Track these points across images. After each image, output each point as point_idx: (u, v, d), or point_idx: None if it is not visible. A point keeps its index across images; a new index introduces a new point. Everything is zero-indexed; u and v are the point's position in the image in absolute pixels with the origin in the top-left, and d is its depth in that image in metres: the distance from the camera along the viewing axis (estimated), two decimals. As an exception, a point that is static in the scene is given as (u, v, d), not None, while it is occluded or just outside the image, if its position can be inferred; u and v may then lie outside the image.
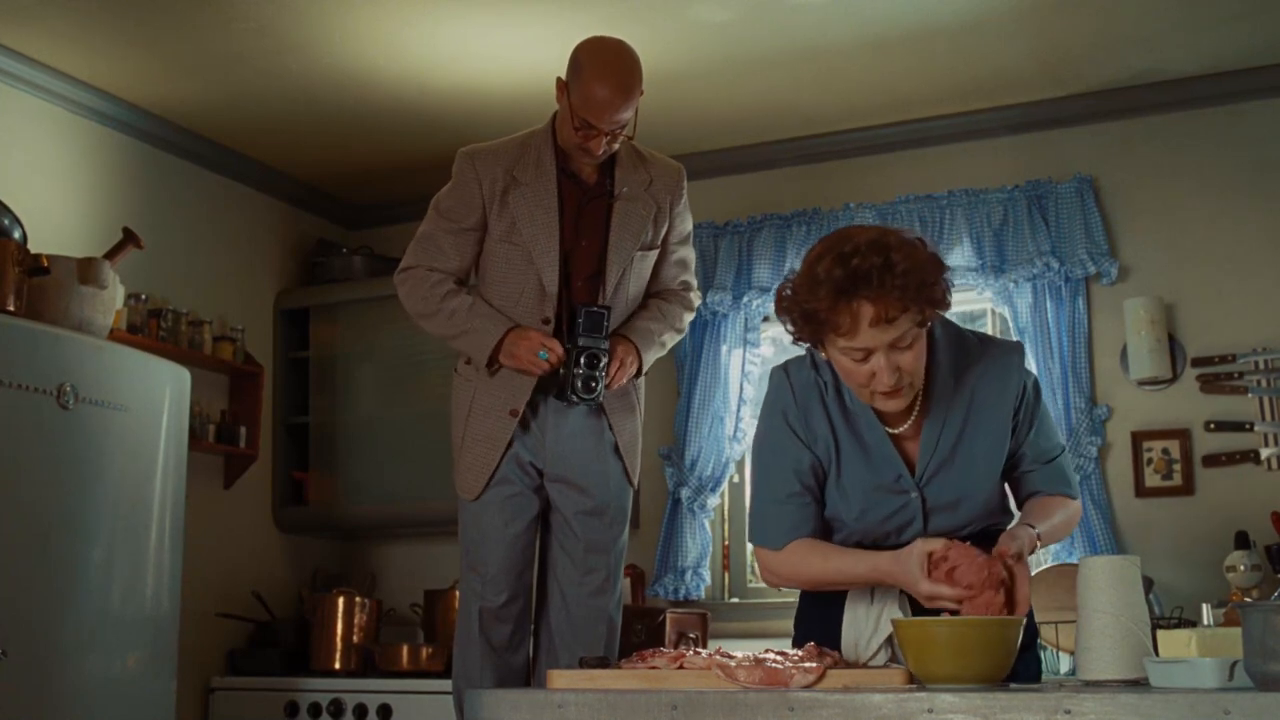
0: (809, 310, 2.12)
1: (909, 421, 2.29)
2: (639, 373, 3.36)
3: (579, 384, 3.20)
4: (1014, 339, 2.51)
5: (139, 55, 4.16)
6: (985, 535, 2.30)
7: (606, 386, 3.26)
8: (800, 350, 2.34)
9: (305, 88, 4.39)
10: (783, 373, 2.36)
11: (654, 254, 3.37)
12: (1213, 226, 4.34)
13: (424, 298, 3.28)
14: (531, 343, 3.19)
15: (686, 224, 3.44)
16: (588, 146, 3.18)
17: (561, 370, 3.20)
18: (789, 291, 2.17)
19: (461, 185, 3.29)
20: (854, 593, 2.30)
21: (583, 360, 3.20)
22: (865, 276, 2.06)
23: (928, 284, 2.11)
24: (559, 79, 3.22)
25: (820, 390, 2.31)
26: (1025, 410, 2.33)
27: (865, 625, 2.28)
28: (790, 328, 2.20)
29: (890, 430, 2.29)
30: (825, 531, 2.34)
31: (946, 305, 2.18)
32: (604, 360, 3.22)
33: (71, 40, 4.04)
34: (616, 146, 3.23)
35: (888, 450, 2.28)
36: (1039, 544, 2.21)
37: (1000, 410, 2.31)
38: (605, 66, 3.12)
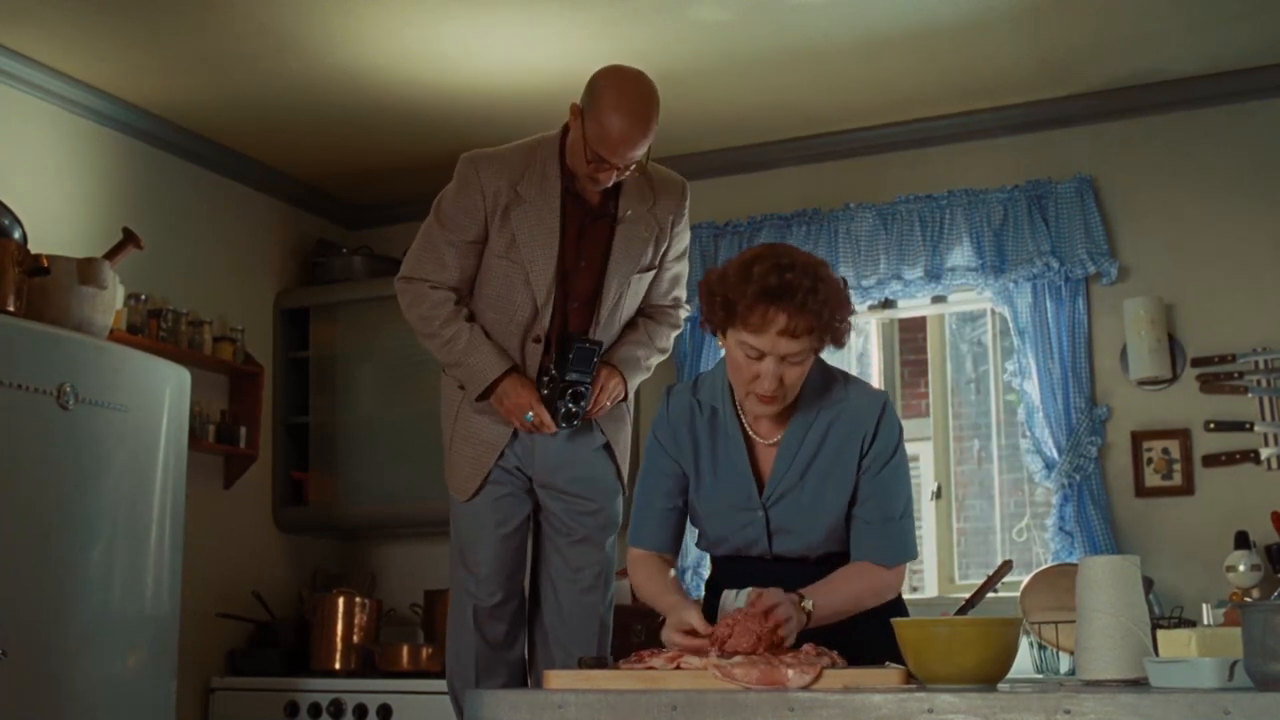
0: (730, 299, 2.29)
1: (775, 439, 2.45)
2: (623, 398, 3.36)
3: (560, 415, 3.21)
4: (880, 390, 2.53)
5: (139, 55, 4.16)
6: (829, 562, 2.45)
7: (588, 413, 3.26)
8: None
9: (305, 88, 4.39)
10: (665, 394, 2.59)
11: (651, 275, 3.35)
12: (1213, 226, 4.34)
13: (424, 317, 3.26)
14: (522, 402, 3.19)
15: (685, 240, 3.41)
16: (597, 178, 3.14)
17: (545, 394, 3.21)
18: (718, 277, 2.34)
19: (465, 193, 3.24)
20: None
21: (568, 394, 3.21)
22: (792, 291, 2.25)
23: (837, 319, 2.32)
24: (573, 105, 3.16)
25: (693, 412, 2.50)
26: (874, 458, 2.43)
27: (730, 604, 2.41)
28: (704, 309, 2.38)
29: (761, 440, 2.46)
30: (677, 540, 2.56)
31: (842, 345, 2.38)
32: (588, 395, 3.23)
33: (71, 40, 4.04)
34: (625, 177, 3.19)
35: (743, 469, 2.45)
36: (809, 613, 2.26)
37: (848, 448, 2.43)
38: (623, 104, 3.05)
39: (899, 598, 2.51)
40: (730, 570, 2.54)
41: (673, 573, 2.54)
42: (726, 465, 2.48)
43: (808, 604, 2.26)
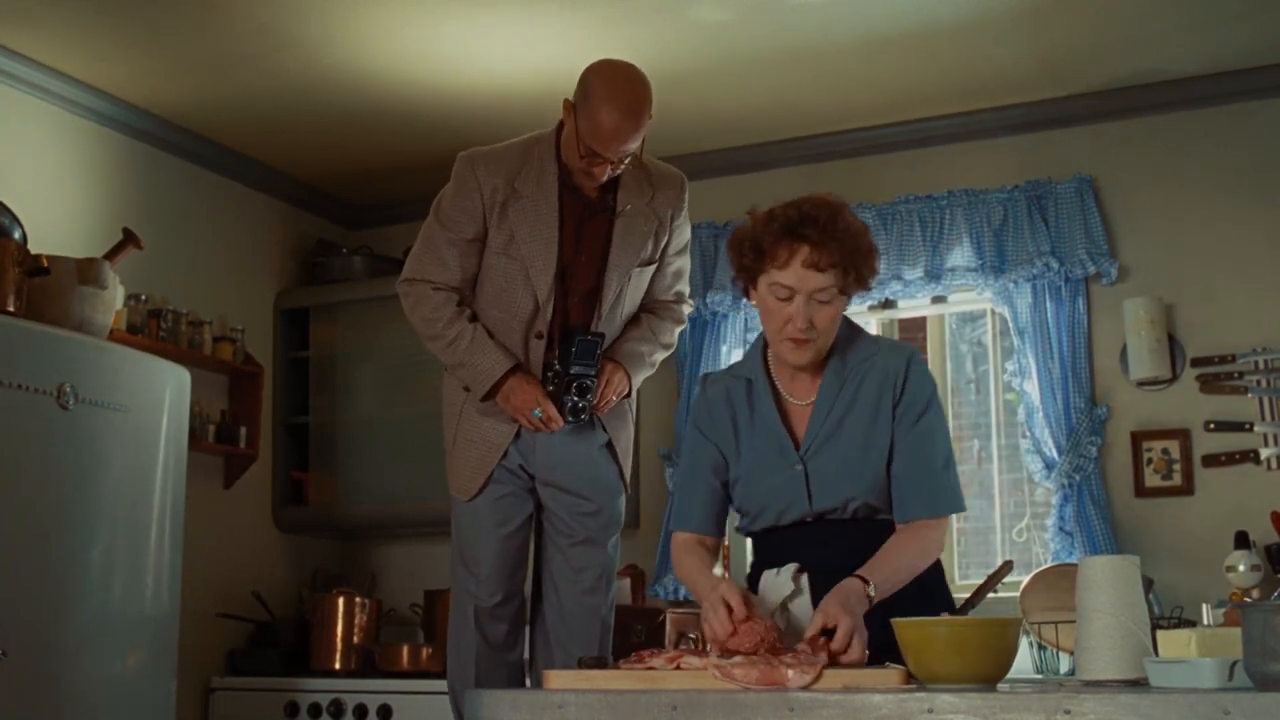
0: (757, 239, 2.40)
1: (809, 399, 2.49)
2: (628, 394, 3.36)
3: (566, 409, 3.21)
4: (909, 344, 2.56)
5: (139, 55, 4.16)
6: (869, 524, 2.45)
7: (594, 410, 3.26)
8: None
9: (305, 88, 4.39)
10: (701, 383, 2.67)
11: (652, 269, 3.34)
12: (1213, 226, 4.34)
13: (427, 319, 3.26)
14: (528, 398, 3.19)
15: (685, 234, 3.41)
16: (591, 172, 3.14)
17: (551, 390, 3.21)
18: (745, 228, 2.45)
19: (462, 192, 3.24)
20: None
21: (573, 388, 3.21)
22: (812, 221, 2.36)
23: (860, 254, 2.39)
24: (566, 100, 3.16)
25: (729, 391, 2.57)
26: (906, 408, 2.45)
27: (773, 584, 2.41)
28: (734, 262, 2.47)
29: (795, 401, 2.50)
30: (719, 520, 2.58)
31: (867, 286, 2.45)
32: (593, 387, 3.23)
33: (71, 40, 4.04)
34: (620, 171, 3.19)
35: (779, 430, 2.49)
36: (872, 599, 2.25)
37: (881, 398, 2.45)
38: (614, 97, 3.05)
39: (936, 567, 2.49)
40: (770, 545, 2.51)
41: (718, 570, 2.55)
42: (762, 430, 2.50)
43: (871, 589, 2.25)
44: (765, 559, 2.51)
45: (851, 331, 2.53)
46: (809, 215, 2.37)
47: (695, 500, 2.58)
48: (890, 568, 2.33)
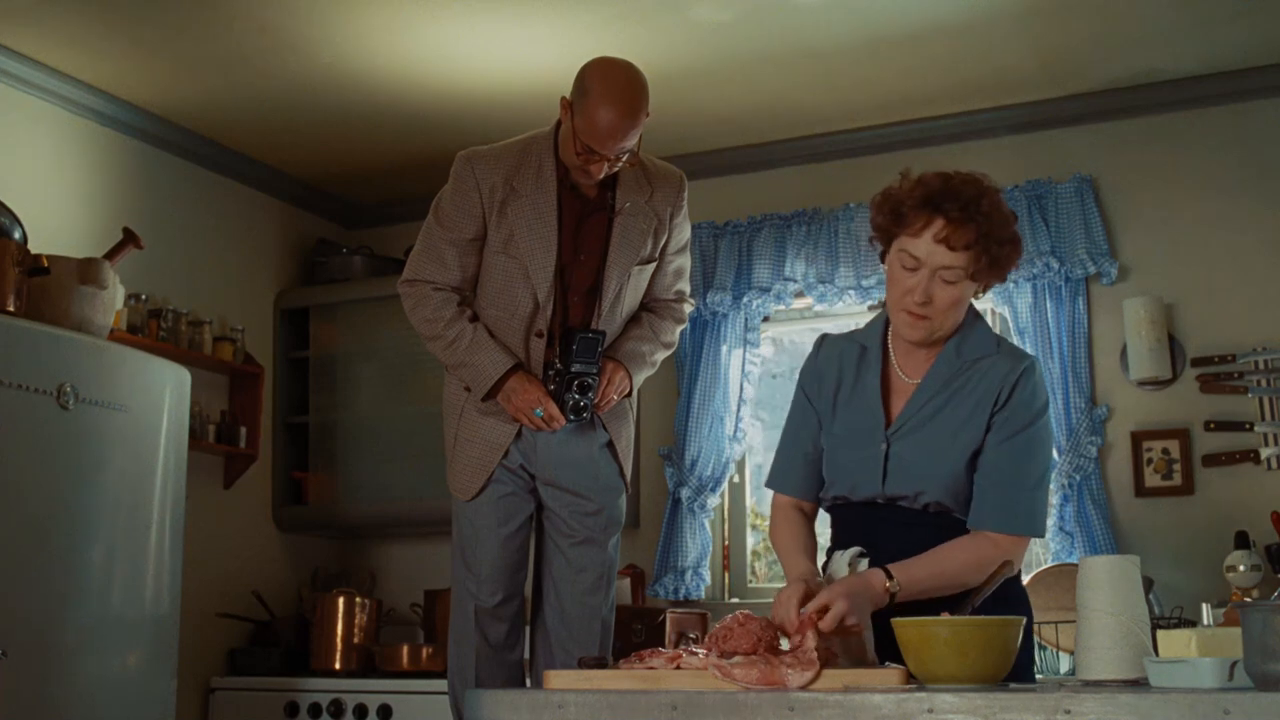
0: (898, 203, 2.33)
1: (917, 379, 2.41)
2: (629, 393, 3.36)
3: (568, 408, 3.21)
4: (1030, 354, 2.48)
5: (139, 55, 4.16)
6: (943, 519, 2.36)
7: (596, 409, 3.26)
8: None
9: (305, 88, 4.39)
10: (818, 341, 2.59)
11: (651, 267, 3.35)
12: (1213, 226, 4.34)
13: (427, 320, 3.26)
14: (529, 398, 3.19)
15: (685, 232, 3.41)
16: (588, 170, 3.15)
17: (552, 389, 3.21)
18: (889, 190, 2.39)
19: (461, 191, 3.25)
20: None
21: (574, 386, 3.21)
22: (954, 196, 2.28)
23: (999, 242, 2.30)
24: (563, 98, 3.16)
25: (843, 355, 2.50)
26: (1005, 419, 2.34)
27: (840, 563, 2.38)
28: (873, 218, 2.40)
29: (904, 378, 2.43)
30: (817, 485, 2.50)
31: (1002, 278, 2.36)
32: (594, 385, 3.23)
33: (71, 40, 4.04)
34: (618, 169, 3.19)
35: (875, 403, 2.42)
36: (894, 597, 2.20)
37: (983, 402, 2.36)
38: (610, 95, 3.06)
39: (1015, 580, 2.40)
40: (842, 521, 2.46)
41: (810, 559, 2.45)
42: (860, 397, 2.44)
43: (893, 585, 2.20)
44: (837, 536, 2.46)
45: (975, 324, 2.44)
46: (954, 189, 2.29)
47: (793, 463, 2.52)
48: (927, 571, 2.25)
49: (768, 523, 2.65)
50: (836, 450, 2.45)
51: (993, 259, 2.31)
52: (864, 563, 2.30)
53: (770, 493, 2.59)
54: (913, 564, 2.25)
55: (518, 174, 3.23)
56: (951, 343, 2.40)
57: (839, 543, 2.43)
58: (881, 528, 2.36)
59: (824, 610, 2.12)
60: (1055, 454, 4.29)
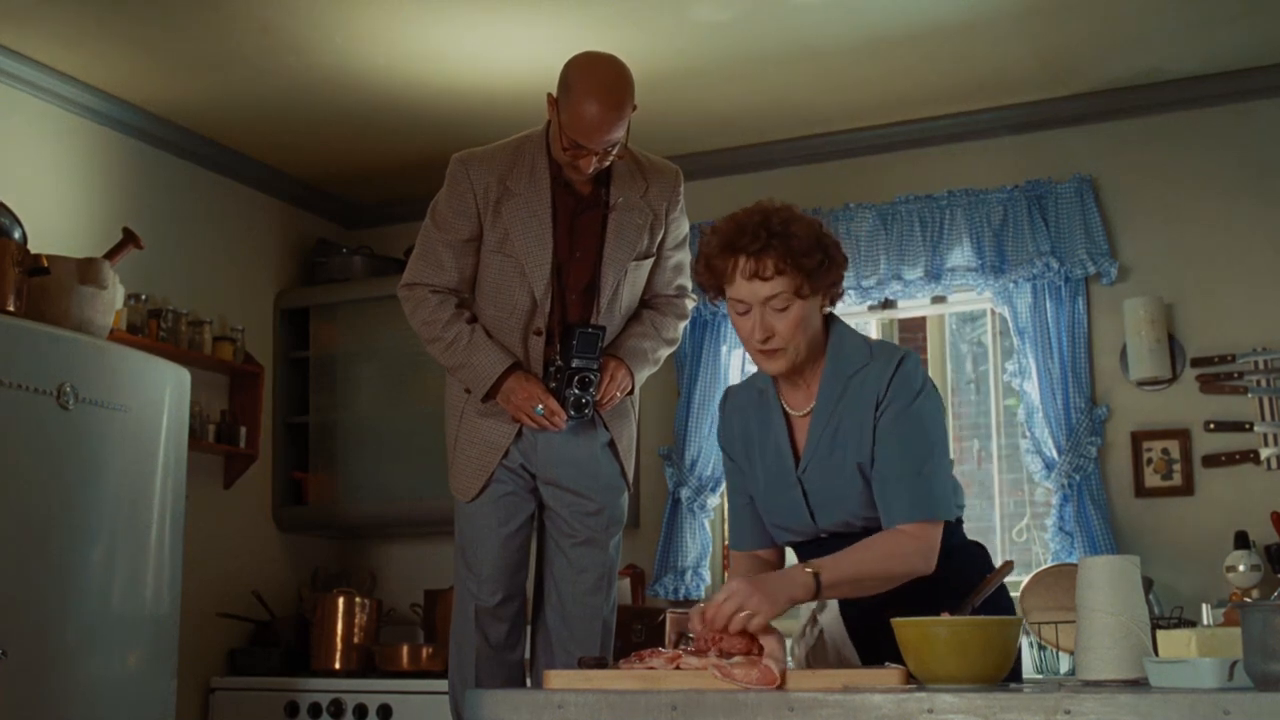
0: (707, 258, 2.39)
1: (807, 409, 2.43)
2: (631, 391, 3.36)
3: (569, 405, 3.21)
4: (902, 347, 2.48)
5: (139, 55, 4.16)
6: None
7: (598, 406, 3.26)
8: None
9: (305, 88, 4.39)
10: (723, 395, 2.63)
11: (649, 262, 3.34)
12: (1213, 226, 4.34)
13: (426, 322, 3.26)
14: (530, 396, 3.18)
15: (683, 228, 3.41)
16: (577, 165, 3.15)
17: (553, 386, 3.21)
18: (701, 246, 2.44)
19: (455, 193, 3.26)
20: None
21: (575, 381, 3.20)
22: (743, 231, 2.34)
23: (804, 253, 2.31)
24: (549, 94, 3.18)
25: (746, 403, 2.52)
26: (887, 405, 2.34)
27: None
28: (700, 283, 2.45)
29: (794, 412, 2.45)
30: (769, 536, 2.52)
31: (824, 286, 2.37)
32: (595, 381, 3.22)
33: (71, 40, 4.04)
34: (608, 164, 3.19)
35: (783, 445, 2.44)
36: (816, 578, 2.20)
37: (865, 411, 2.36)
38: (594, 88, 3.07)
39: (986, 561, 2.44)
40: (803, 555, 2.46)
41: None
42: (770, 444, 2.45)
43: (813, 566, 2.20)
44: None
45: (846, 338, 2.44)
46: (741, 224, 2.34)
47: (741, 520, 2.55)
48: (846, 559, 2.25)
49: None
50: (766, 499, 2.47)
51: (807, 272, 2.32)
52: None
53: None
54: (835, 555, 2.26)
55: (511, 173, 3.23)
56: (828, 365, 2.40)
57: None
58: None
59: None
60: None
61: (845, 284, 2.47)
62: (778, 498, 2.44)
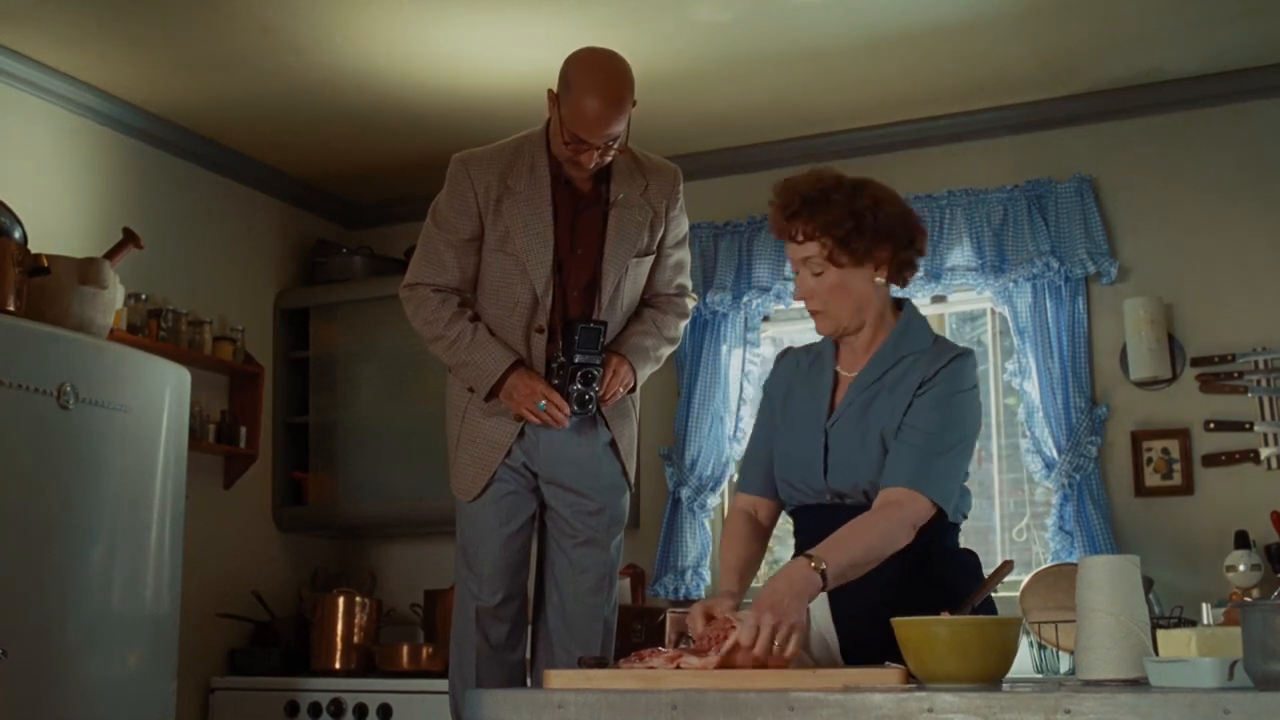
0: (770, 226, 2.49)
1: (856, 372, 2.49)
2: (633, 388, 3.36)
3: (572, 400, 3.21)
4: (966, 348, 2.49)
5: (139, 55, 4.16)
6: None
7: (601, 402, 3.26)
8: None
9: (305, 88, 4.39)
10: (781, 351, 2.71)
11: (650, 260, 3.35)
12: (1213, 226, 4.34)
13: (428, 321, 3.27)
14: (533, 392, 3.19)
15: (683, 226, 3.42)
16: (579, 160, 3.16)
17: (556, 383, 3.21)
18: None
19: (456, 193, 3.27)
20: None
21: (578, 376, 3.20)
22: (788, 195, 2.42)
23: (831, 223, 2.37)
24: (550, 91, 3.19)
25: (799, 359, 2.60)
26: (929, 394, 2.38)
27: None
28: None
29: (844, 373, 2.51)
30: (774, 486, 2.56)
31: (863, 256, 2.40)
32: (598, 376, 3.22)
33: (71, 40, 4.04)
34: (609, 159, 3.20)
35: (821, 397, 2.50)
36: (823, 575, 2.18)
37: (908, 386, 2.41)
38: (594, 82, 3.09)
39: (955, 552, 2.46)
40: (801, 524, 2.49)
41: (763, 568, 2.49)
42: (808, 396, 2.52)
43: (817, 563, 2.17)
44: (800, 541, 2.49)
45: (914, 322, 2.51)
46: (789, 189, 2.42)
47: (754, 462, 2.59)
48: (851, 542, 2.23)
49: None
50: (784, 447, 2.51)
51: (838, 240, 2.38)
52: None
53: None
54: (832, 541, 2.24)
55: (511, 172, 3.24)
56: (889, 340, 2.47)
57: (801, 547, 2.43)
58: (830, 524, 2.32)
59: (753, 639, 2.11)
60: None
61: None
62: (799, 448, 2.47)
